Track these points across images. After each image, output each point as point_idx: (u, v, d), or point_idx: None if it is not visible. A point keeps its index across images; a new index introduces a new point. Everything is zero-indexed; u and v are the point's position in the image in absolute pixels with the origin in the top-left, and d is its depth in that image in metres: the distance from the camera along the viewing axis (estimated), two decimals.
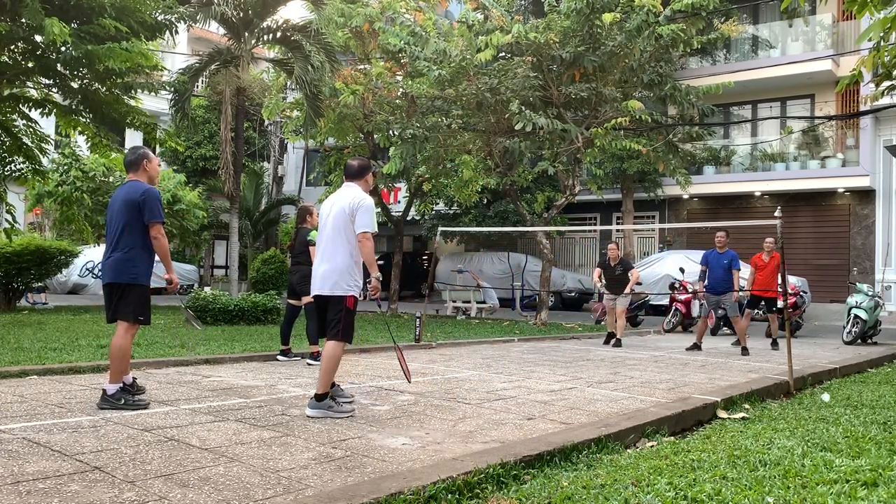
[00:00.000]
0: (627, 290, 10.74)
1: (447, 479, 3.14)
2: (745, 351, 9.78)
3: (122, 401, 4.77)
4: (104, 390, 4.82)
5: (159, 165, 5.31)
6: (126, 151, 5.55)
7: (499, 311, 17.57)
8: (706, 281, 10.20)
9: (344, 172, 5.25)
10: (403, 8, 15.42)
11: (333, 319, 4.83)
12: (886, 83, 7.50)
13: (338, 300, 4.82)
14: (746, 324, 10.51)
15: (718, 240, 10.20)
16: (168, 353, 7.60)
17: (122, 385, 4.84)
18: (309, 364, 7.49)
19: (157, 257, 5.10)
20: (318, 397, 4.71)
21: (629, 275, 10.80)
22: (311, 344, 7.68)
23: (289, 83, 17.58)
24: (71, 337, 8.77)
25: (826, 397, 6.23)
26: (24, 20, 9.78)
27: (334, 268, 4.83)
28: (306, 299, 7.65)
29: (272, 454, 3.69)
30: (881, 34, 6.08)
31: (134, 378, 5.09)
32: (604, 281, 11.09)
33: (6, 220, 12.55)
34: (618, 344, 10.80)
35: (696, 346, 10.25)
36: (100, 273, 5.20)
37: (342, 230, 4.84)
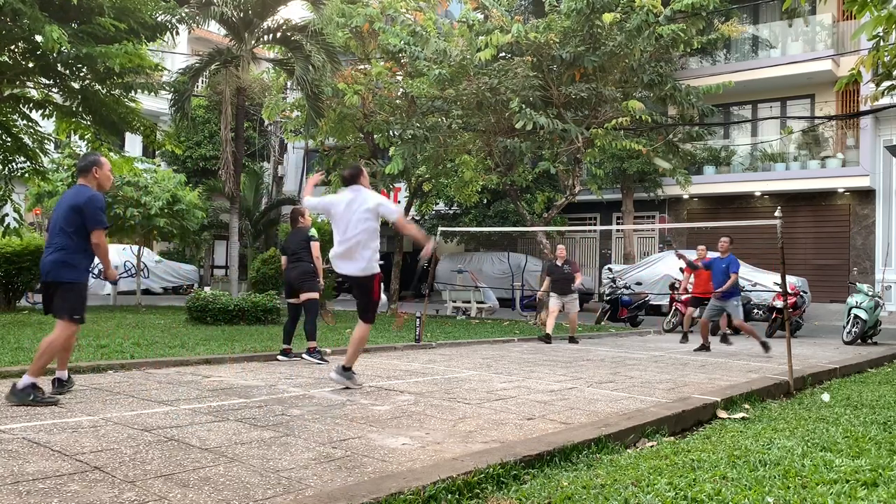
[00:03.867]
0: (577, 283, 11.43)
1: (447, 479, 3.15)
2: (764, 346, 9.71)
3: (32, 396, 4.76)
4: (14, 384, 4.84)
5: (111, 172, 5.47)
6: (80, 157, 5.67)
7: (499, 311, 17.56)
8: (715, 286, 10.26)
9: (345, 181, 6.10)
10: (403, 8, 15.41)
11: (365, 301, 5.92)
12: (886, 83, 7.50)
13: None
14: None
15: (721, 245, 10.21)
16: (168, 353, 7.60)
17: (33, 382, 4.82)
18: (303, 357, 7.56)
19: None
20: (346, 368, 5.81)
21: (575, 275, 11.45)
22: (286, 343, 7.74)
23: (289, 83, 17.59)
24: None
25: (826, 397, 6.24)
26: (25, 20, 9.77)
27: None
28: (304, 295, 7.68)
29: (272, 454, 3.69)
30: (880, 33, 6.08)
31: (69, 376, 5.35)
32: (549, 284, 11.60)
33: (14, 218, 12.52)
34: (573, 341, 11.22)
35: (704, 347, 10.29)
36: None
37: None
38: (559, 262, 11.49)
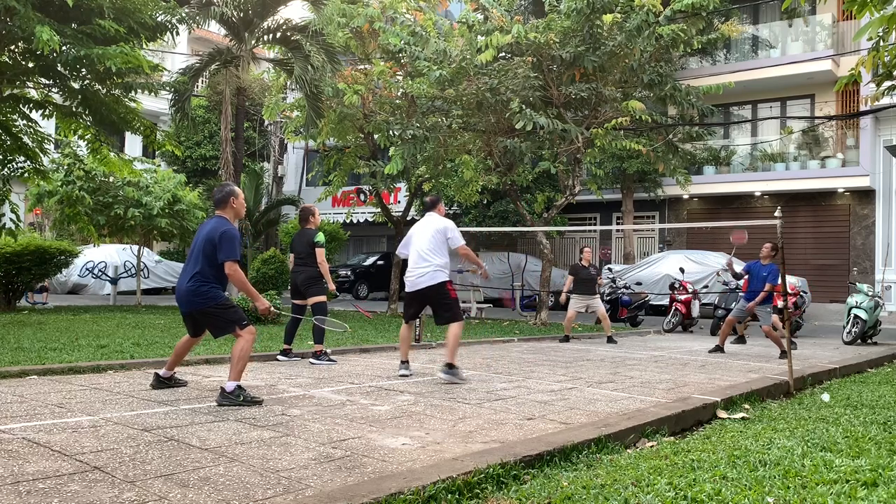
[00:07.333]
0: (600, 281, 11.69)
1: (447, 479, 3.15)
2: (783, 355, 9.34)
3: (241, 397, 5.02)
4: (222, 388, 5.08)
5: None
6: (215, 188, 5.81)
7: (499, 311, 17.56)
8: (745, 289, 10.13)
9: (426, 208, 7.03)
10: (404, 8, 15.40)
11: (445, 305, 6.50)
12: (886, 83, 7.49)
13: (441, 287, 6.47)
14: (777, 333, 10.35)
15: (763, 251, 10.04)
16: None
17: (238, 384, 5.09)
18: (311, 363, 7.52)
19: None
20: (449, 366, 6.31)
21: (597, 277, 11.66)
22: (286, 343, 7.74)
23: (289, 83, 17.60)
24: (71, 337, 8.77)
25: (826, 397, 6.24)
26: (19, 19, 9.76)
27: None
28: (313, 299, 7.68)
29: (272, 454, 3.69)
30: (880, 33, 6.07)
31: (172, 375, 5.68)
32: (572, 286, 11.62)
33: (10, 219, 12.51)
34: (612, 341, 11.26)
35: (719, 349, 10.16)
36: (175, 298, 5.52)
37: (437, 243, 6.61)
38: (584, 264, 11.61)
